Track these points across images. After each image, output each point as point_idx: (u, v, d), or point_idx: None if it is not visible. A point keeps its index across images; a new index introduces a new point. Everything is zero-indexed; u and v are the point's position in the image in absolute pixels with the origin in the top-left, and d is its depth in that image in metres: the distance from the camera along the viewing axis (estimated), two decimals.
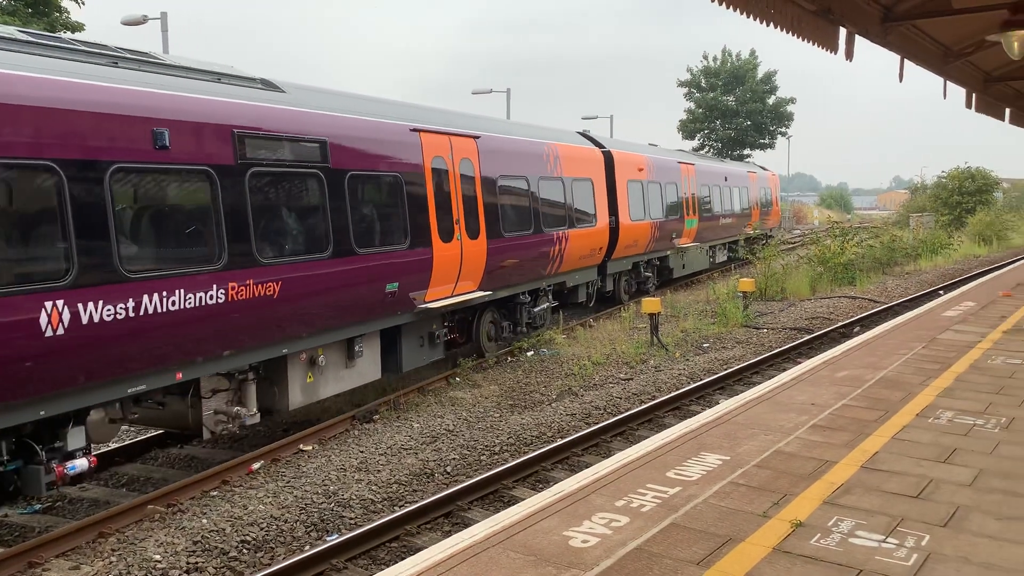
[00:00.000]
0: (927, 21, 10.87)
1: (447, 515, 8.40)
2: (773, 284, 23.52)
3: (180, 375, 8.77)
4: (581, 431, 10.78)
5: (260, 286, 9.33)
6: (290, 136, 9.99)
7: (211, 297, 8.72)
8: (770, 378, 11.70)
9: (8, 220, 7.20)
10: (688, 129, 58.19)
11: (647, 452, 7.01)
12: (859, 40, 10.23)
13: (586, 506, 5.81)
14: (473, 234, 13.78)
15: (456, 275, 13.38)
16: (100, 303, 7.57)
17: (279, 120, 9.91)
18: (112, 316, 7.67)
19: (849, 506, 5.73)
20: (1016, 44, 9.52)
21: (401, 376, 13.36)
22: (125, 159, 7.97)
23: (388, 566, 7.22)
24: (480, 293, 14.16)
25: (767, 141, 58.13)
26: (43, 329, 7.08)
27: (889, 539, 5.18)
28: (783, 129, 58.30)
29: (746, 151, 57.23)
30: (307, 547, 7.85)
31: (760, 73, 56.91)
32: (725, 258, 30.87)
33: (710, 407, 11.04)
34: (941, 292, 21.49)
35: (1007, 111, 17.86)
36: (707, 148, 57.53)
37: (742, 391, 11.66)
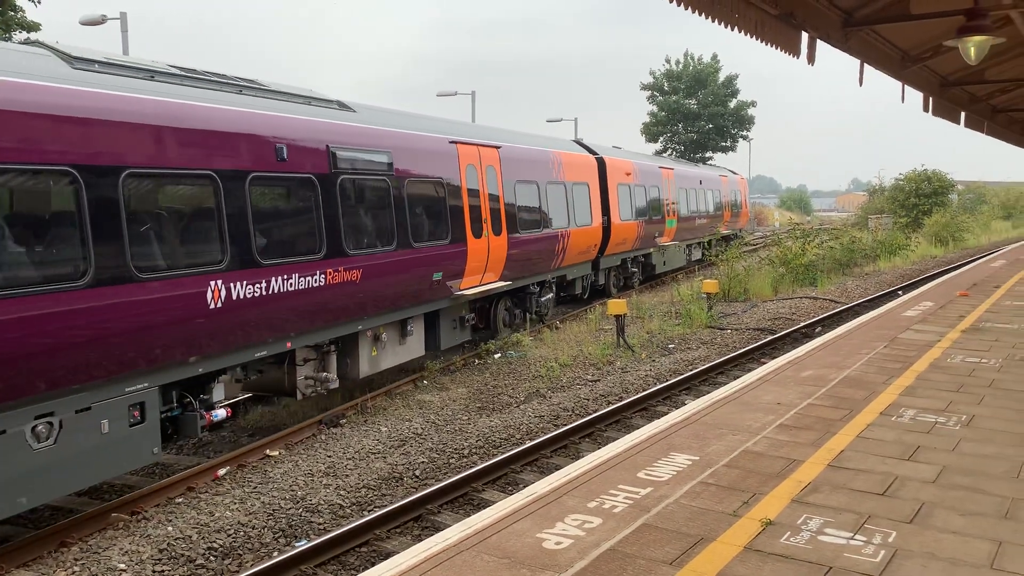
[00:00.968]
0: (886, 26, 11.05)
1: (417, 519, 8.37)
2: (736, 285, 23.78)
3: (289, 344, 10.68)
4: (550, 433, 10.81)
5: (348, 272, 11.35)
6: (365, 149, 12.08)
7: (315, 281, 10.70)
8: (735, 378, 11.82)
9: (183, 217, 9.20)
10: (651, 132, 58.52)
11: (618, 453, 7.04)
12: (820, 44, 10.37)
13: (559, 508, 5.82)
14: (496, 231, 15.86)
15: (484, 266, 15.44)
16: (244, 283, 9.51)
17: (357, 137, 11.99)
18: (252, 294, 9.62)
19: (817, 504, 5.80)
20: (973, 49, 9.69)
21: (439, 353, 15.45)
22: (259, 169, 9.98)
23: (358, 571, 7.20)
24: (501, 283, 16.24)
25: (728, 144, 58.65)
26: (208, 302, 9.02)
27: (857, 536, 5.26)
28: (744, 132, 58.89)
29: (708, 154, 57.71)
30: (276, 553, 7.78)
31: (721, 77, 57.47)
32: (700, 256, 32.34)
33: (677, 408, 11.14)
34: (900, 292, 21.87)
35: (962, 114, 18.18)
36: (670, 151, 57.92)
37: (708, 391, 11.77)
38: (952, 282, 20.30)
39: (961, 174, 68.38)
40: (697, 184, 32.10)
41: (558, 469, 7.85)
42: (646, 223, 25.09)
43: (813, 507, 5.75)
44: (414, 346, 13.92)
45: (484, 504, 8.54)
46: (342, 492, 9.20)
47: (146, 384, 8.58)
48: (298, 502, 8.91)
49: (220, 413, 9.89)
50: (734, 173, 40.80)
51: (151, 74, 9.21)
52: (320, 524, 8.45)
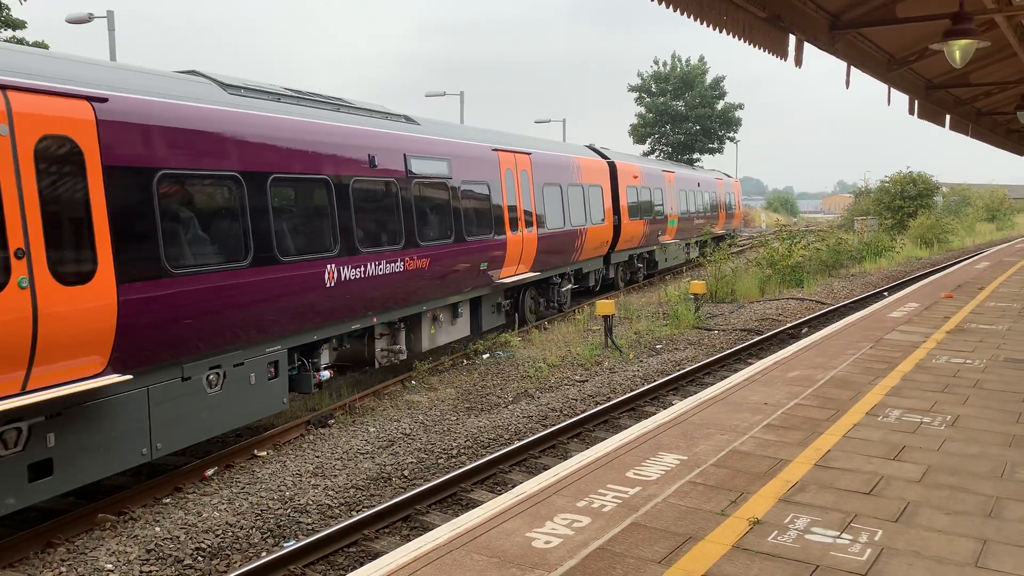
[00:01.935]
0: (873, 30, 11.15)
1: (406, 519, 8.38)
2: (723, 286, 23.89)
3: (375, 320, 12.71)
4: (538, 433, 10.83)
5: (419, 260, 13.40)
6: (431, 157, 14.18)
7: (397, 267, 12.79)
8: (723, 379, 11.88)
9: (308, 213, 11.36)
10: (639, 133, 58.69)
11: (606, 453, 7.07)
12: (808, 47, 10.44)
13: (548, 507, 5.84)
14: (529, 227, 17.87)
15: (519, 258, 17.45)
16: (349, 267, 11.63)
17: (425, 145, 14.11)
18: (353, 276, 11.72)
19: (804, 503, 5.84)
20: (958, 53, 9.78)
21: (481, 334, 17.27)
22: (359, 174, 12.11)
23: (347, 571, 7.19)
24: (531, 273, 18.18)
25: (716, 146, 58.90)
26: (325, 282, 11.13)
27: (844, 535, 5.30)
28: (731, 134, 59.12)
29: (695, 156, 57.90)
30: (264, 553, 7.76)
31: (709, 79, 57.67)
32: (697, 253, 33.40)
33: (665, 408, 11.18)
34: (886, 294, 22.01)
35: (947, 117, 18.35)
36: (657, 152, 58.09)
37: (696, 392, 11.82)
38: (937, 283, 20.45)
39: (946, 176, 68.78)
40: (695, 186, 33.76)
41: (547, 469, 7.86)
42: (651, 222, 26.88)
43: (800, 506, 5.79)
44: (462, 327, 16.06)
45: (473, 504, 8.55)
46: (330, 492, 9.20)
47: (279, 347, 10.63)
48: (286, 502, 8.89)
49: (326, 374, 11.82)
50: (729, 176, 42.76)
51: (278, 97, 11.20)
52: (308, 524, 8.43)
